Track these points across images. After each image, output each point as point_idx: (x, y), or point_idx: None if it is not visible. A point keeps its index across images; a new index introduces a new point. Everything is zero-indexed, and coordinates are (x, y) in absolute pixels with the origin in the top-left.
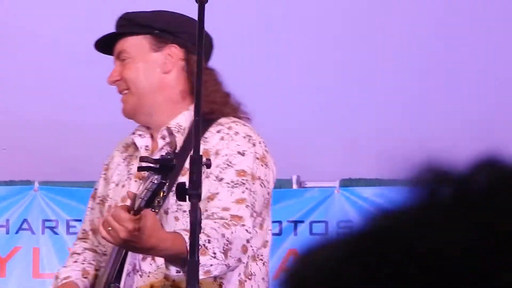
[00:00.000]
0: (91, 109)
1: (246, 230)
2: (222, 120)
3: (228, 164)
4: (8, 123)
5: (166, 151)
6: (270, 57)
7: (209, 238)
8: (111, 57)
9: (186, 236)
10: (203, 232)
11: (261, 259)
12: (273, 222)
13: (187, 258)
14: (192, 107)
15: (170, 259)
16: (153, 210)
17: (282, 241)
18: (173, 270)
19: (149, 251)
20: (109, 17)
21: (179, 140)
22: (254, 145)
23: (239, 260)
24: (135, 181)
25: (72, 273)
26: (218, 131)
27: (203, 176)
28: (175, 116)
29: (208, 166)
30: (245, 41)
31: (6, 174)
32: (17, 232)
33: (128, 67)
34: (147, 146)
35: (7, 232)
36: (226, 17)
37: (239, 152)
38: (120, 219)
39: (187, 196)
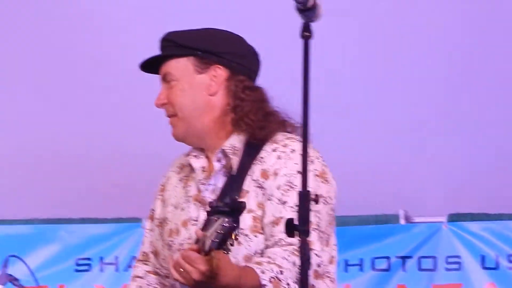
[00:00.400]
0: None
1: (316, 255)
2: (277, 137)
3: (289, 186)
4: (116, 160)
5: (219, 177)
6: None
7: (281, 269)
8: None
9: (258, 270)
10: (274, 263)
11: (328, 276)
12: (382, 258)
13: None
14: (243, 127)
15: None
16: (224, 252)
17: (391, 277)
18: None
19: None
20: None
21: (235, 161)
22: (312, 162)
23: (313, 286)
24: (194, 204)
25: None
26: (274, 150)
27: (262, 196)
28: (227, 136)
29: (316, 202)
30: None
31: (115, 212)
32: (126, 270)
33: (174, 90)
34: (203, 167)
35: (117, 270)
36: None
37: (298, 171)
38: (191, 260)
39: (295, 232)
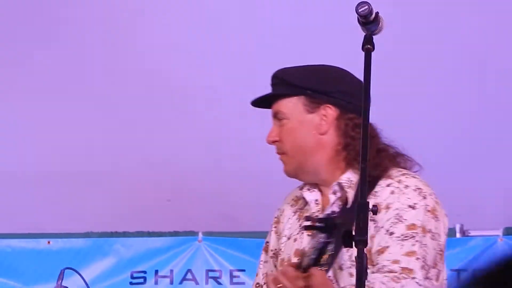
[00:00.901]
0: (250, 157)
1: (417, 283)
2: (392, 172)
3: (398, 219)
4: (172, 174)
5: (333, 209)
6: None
7: None
8: (264, 111)
9: None
10: (372, 287)
11: None
12: None
13: None
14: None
15: None
16: (320, 268)
17: None
18: None
19: None
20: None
21: (350, 194)
22: (424, 197)
23: None
24: (308, 235)
25: None
26: (388, 185)
27: (374, 229)
28: (342, 172)
29: (375, 212)
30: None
31: (171, 225)
32: (181, 283)
33: (285, 129)
34: (316, 200)
35: (171, 283)
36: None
37: (409, 206)
38: (289, 276)
39: (353, 243)
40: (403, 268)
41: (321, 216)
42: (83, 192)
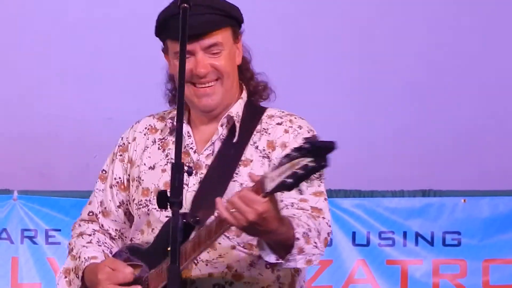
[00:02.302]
0: (66, 119)
1: (327, 223)
2: (274, 112)
3: None
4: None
5: (220, 141)
6: None
7: (309, 227)
8: None
9: (294, 222)
10: (300, 220)
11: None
12: None
13: (291, 246)
14: (244, 95)
15: (278, 245)
16: (299, 192)
17: None
18: (272, 258)
19: (268, 234)
20: None
21: (237, 128)
22: (309, 131)
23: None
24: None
25: (97, 254)
26: (279, 123)
27: (264, 163)
28: (232, 104)
29: (190, 173)
30: None
31: None
32: None
33: (222, 58)
34: (188, 132)
35: None
36: None
37: None
38: (250, 201)
39: (168, 204)
40: (313, 208)
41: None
42: None
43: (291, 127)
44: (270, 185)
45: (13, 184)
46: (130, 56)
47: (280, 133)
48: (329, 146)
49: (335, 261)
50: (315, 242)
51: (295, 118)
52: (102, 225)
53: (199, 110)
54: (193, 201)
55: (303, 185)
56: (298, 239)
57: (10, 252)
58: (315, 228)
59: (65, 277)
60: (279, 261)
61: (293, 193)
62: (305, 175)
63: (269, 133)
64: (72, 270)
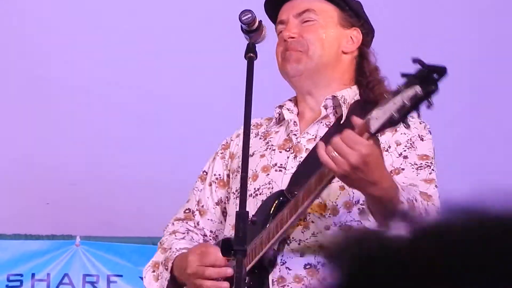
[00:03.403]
0: (130, 164)
1: (435, 211)
2: None
3: (411, 145)
4: (50, 177)
5: (325, 125)
6: None
7: (415, 198)
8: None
9: (399, 185)
10: (407, 188)
11: None
12: None
13: (395, 210)
14: (354, 88)
15: (378, 206)
16: (405, 126)
17: None
18: (372, 221)
19: (369, 186)
20: None
21: (344, 111)
22: (430, 132)
23: None
24: (280, 151)
25: (189, 246)
26: None
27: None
28: (339, 89)
29: (254, 223)
30: None
31: (49, 228)
32: (57, 287)
33: (313, 29)
34: (294, 121)
35: (48, 286)
36: None
37: (419, 136)
38: (353, 141)
39: (232, 252)
40: (422, 193)
41: (313, 130)
42: None
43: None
44: (375, 125)
45: (75, 229)
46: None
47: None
48: (441, 69)
49: None
50: (421, 213)
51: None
52: (198, 223)
53: (283, 74)
54: (290, 181)
55: (410, 119)
56: (402, 202)
57: None
58: (423, 205)
59: (153, 271)
60: (380, 228)
61: (401, 177)
62: (414, 105)
63: None
64: (161, 263)
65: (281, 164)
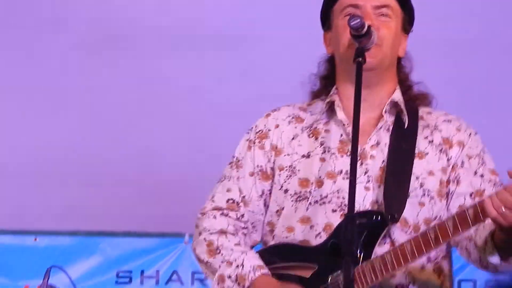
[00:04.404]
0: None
1: None
2: (427, 109)
3: (483, 161)
4: (160, 175)
5: (385, 129)
6: None
7: None
8: None
9: None
10: None
11: None
12: None
13: None
14: (398, 89)
15: (506, 244)
16: None
17: None
18: (497, 259)
19: None
20: None
21: (404, 115)
22: (483, 143)
23: None
24: (341, 156)
25: (261, 262)
26: (447, 121)
27: (449, 164)
28: (391, 92)
29: (372, 231)
30: None
31: (158, 226)
32: (166, 283)
33: (389, 26)
34: (345, 120)
35: (157, 283)
36: None
37: (482, 150)
38: None
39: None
40: None
41: (383, 130)
42: (72, 190)
43: (461, 125)
44: None
45: (184, 227)
46: None
47: (453, 131)
48: None
49: None
50: None
51: (457, 116)
52: (242, 215)
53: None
54: (384, 191)
55: None
56: None
57: None
58: None
59: (218, 283)
60: (501, 263)
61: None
62: None
63: (441, 130)
64: (229, 277)
65: (347, 171)
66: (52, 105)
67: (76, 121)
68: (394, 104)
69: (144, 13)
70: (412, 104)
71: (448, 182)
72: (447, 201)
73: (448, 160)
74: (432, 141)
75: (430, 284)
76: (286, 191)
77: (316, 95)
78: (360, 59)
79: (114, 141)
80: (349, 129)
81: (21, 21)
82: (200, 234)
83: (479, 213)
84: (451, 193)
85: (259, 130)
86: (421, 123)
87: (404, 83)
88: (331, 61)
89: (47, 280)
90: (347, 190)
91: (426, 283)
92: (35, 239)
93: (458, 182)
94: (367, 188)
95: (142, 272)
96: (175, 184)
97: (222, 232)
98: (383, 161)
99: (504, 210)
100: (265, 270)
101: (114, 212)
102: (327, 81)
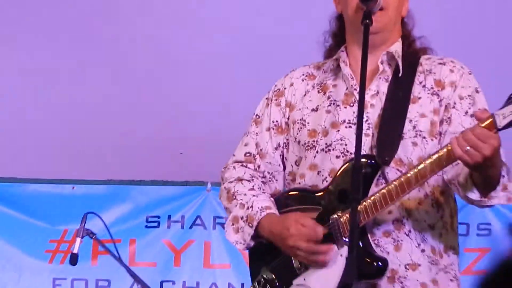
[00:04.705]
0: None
1: None
2: (428, 55)
3: (473, 101)
4: (184, 128)
5: (384, 80)
6: None
7: (506, 166)
8: None
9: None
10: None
11: None
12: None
13: (495, 183)
14: (400, 41)
15: (484, 182)
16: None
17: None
18: (477, 195)
19: (490, 168)
20: None
21: (399, 65)
22: (477, 82)
23: None
24: (345, 107)
25: (270, 203)
26: (443, 63)
27: (438, 102)
28: (392, 43)
29: (367, 174)
30: None
31: (183, 175)
32: (191, 227)
33: None
34: (351, 74)
35: (182, 227)
36: None
37: (476, 89)
38: (487, 137)
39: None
40: None
41: (377, 82)
42: (105, 143)
43: (455, 67)
44: (502, 122)
45: (207, 176)
46: None
47: (446, 72)
48: None
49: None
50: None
51: (454, 59)
52: (259, 166)
53: (356, 25)
54: (377, 137)
55: None
56: (503, 176)
57: (204, 236)
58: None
59: (232, 224)
60: (481, 199)
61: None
62: None
63: (434, 72)
64: (241, 218)
65: (349, 120)
66: (86, 61)
67: (110, 77)
68: (391, 56)
69: None
70: (415, 55)
71: (441, 122)
72: (439, 140)
73: (440, 101)
74: (425, 85)
75: (428, 218)
76: (298, 142)
77: (329, 52)
78: (367, 21)
79: (146, 100)
80: (353, 82)
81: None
82: (222, 184)
83: (450, 152)
84: (444, 132)
85: (277, 89)
86: (419, 70)
87: (408, 38)
88: (340, 19)
89: (84, 225)
90: (349, 138)
91: (423, 217)
92: (73, 188)
93: (450, 122)
94: (367, 135)
95: (169, 217)
96: (198, 139)
97: (239, 179)
98: (381, 108)
99: (468, 148)
100: (272, 211)
101: (143, 162)
102: (338, 39)
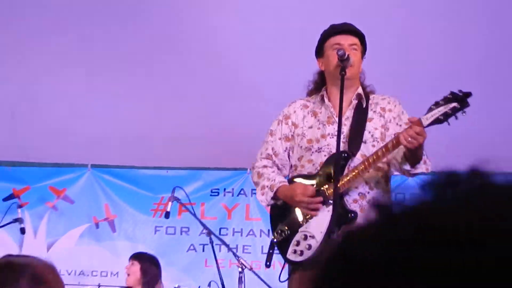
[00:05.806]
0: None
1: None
2: (376, 95)
3: (399, 117)
4: (234, 128)
5: (351, 109)
6: None
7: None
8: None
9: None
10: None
11: None
12: None
13: (419, 159)
14: (360, 87)
15: (413, 158)
16: (448, 124)
17: None
18: (408, 167)
19: (419, 150)
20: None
21: (363, 101)
22: (403, 108)
23: None
24: (329, 125)
25: (284, 179)
26: (383, 99)
27: (385, 121)
28: (356, 88)
29: (347, 158)
30: None
31: (233, 163)
32: (238, 195)
33: (357, 55)
34: (330, 105)
35: (232, 195)
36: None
37: (402, 111)
38: (421, 131)
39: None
40: None
41: (349, 112)
42: (188, 140)
43: (390, 99)
44: (425, 122)
45: (247, 164)
46: None
47: (385, 103)
48: (469, 93)
49: None
50: (429, 158)
51: (390, 96)
52: (275, 161)
53: (336, 75)
54: (348, 141)
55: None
56: (424, 155)
57: (245, 201)
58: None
59: (261, 189)
60: (411, 169)
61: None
62: (452, 113)
63: (380, 104)
64: (267, 186)
65: (332, 133)
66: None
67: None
68: (358, 95)
69: None
70: (367, 94)
71: (386, 130)
72: (385, 141)
73: (384, 120)
74: (375, 111)
75: (384, 191)
76: (301, 147)
77: (310, 92)
78: (343, 72)
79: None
80: (332, 109)
81: None
82: (253, 169)
83: (396, 142)
84: (386, 136)
85: (285, 114)
86: (370, 103)
87: (362, 84)
88: (321, 74)
89: (173, 194)
90: (332, 144)
91: (380, 191)
92: (167, 172)
93: (388, 130)
94: (343, 142)
95: (224, 189)
96: (243, 133)
97: (264, 166)
98: (350, 125)
99: (410, 139)
100: (286, 183)
101: (209, 154)
102: (317, 85)
